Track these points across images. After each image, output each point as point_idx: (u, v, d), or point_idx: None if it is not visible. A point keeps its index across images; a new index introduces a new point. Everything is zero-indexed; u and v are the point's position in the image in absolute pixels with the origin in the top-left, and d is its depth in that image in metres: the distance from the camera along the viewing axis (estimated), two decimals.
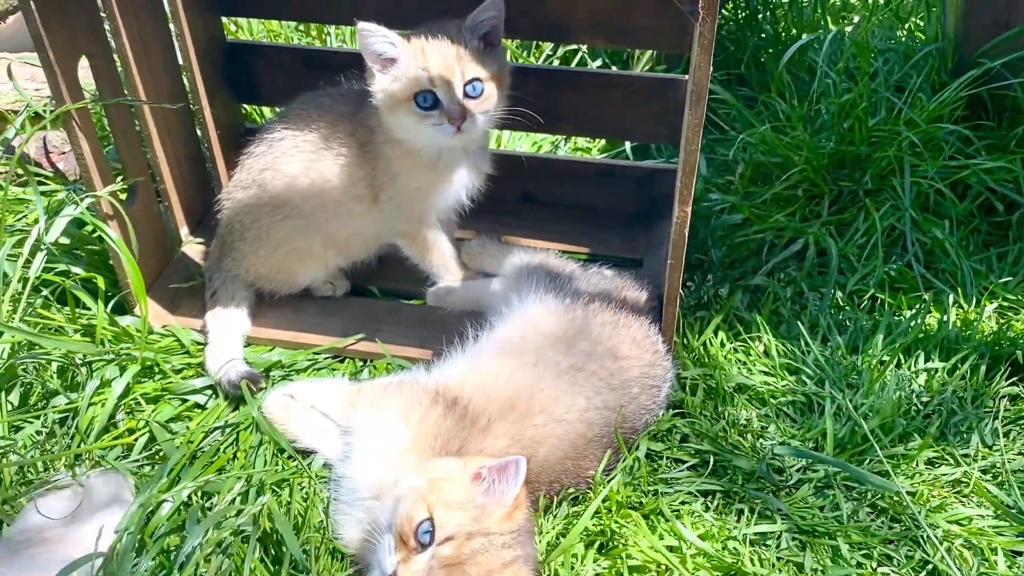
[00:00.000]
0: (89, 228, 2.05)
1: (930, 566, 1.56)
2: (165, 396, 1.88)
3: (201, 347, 1.99)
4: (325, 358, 2.01)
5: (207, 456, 1.73)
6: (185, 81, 2.16)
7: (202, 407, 1.88)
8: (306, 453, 1.78)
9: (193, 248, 2.25)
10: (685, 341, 1.97)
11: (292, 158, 1.97)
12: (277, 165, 1.97)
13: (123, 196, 1.98)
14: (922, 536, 1.59)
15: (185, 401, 1.89)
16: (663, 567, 1.53)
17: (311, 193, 1.97)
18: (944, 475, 1.71)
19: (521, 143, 2.61)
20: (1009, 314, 2.05)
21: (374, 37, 1.77)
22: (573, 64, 2.81)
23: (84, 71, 1.83)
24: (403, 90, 1.80)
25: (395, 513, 1.42)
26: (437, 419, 1.62)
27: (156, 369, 1.92)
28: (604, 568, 1.55)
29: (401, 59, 1.79)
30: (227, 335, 1.98)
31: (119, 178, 1.95)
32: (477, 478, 1.45)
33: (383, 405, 1.68)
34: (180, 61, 2.12)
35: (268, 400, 1.81)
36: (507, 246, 2.15)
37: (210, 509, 1.61)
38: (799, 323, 1.99)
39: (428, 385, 1.70)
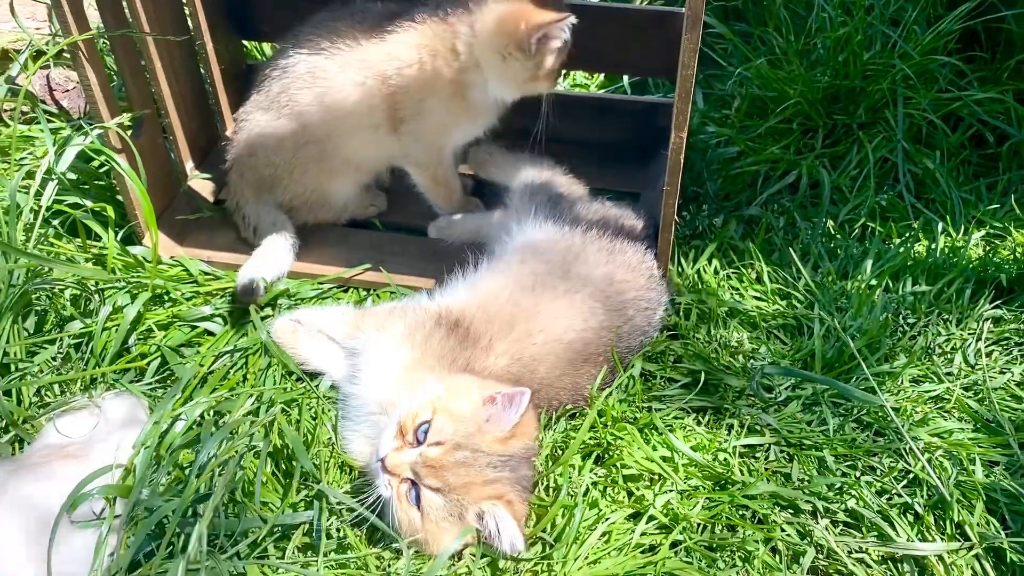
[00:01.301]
0: (96, 163, 2.10)
1: (911, 475, 1.63)
2: (175, 323, 1.94)
3: (208, 276, 2.04)
4: (330, 287, 2.07)
5: (217, 378, 1.80)
6: (188, 19, 2.19)
7: (212, 334, 1.94)
8: (313, 376, 1.84)
9: (199, 182, 2.29)
10: (680, 269, 2.03)
11: (306, 85, 2.00)
12: (292, 90, 2.01)
13: (129, 131, 2.02)
14: (904, 448, 1.66)
15: (195, 328, 1.95)
16: (656, 475, 1.60)
17: (326, 119, 2.02)
18: (928, 392, 1.77)
19: None
20: (995, 241, 2.11)
21: (566, 32, 1.86)
22: None
23: (89, 8, 1.86)
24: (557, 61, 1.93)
25: (405, 408, 1.50)
26: (441, 339, 1.68)
27: (166, 297, 1.98)
28: (600, 476, 1.62)
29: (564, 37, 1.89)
30: (268, 254, 2.04)
31: (125, 113, 1.99)
32: (491, 401, 1.53)
33: (388, 327, 1.74)
34: None
35: (276, 324, 1.87)
36: (514, 155, 2.19)
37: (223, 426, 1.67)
38: (791, 251, 2.04)
39: (431, 308, 1.76)
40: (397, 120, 2.02)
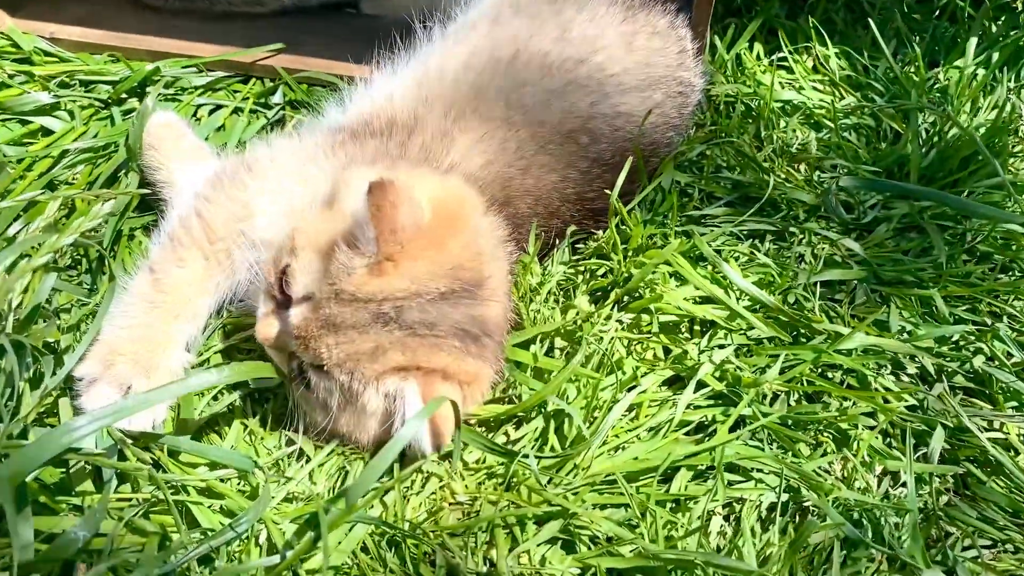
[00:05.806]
0: None
1: None
2: None
3: (50, 57, 1.43)
4: (224, 76, 1.47)
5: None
6: None
7: (50, 131, 1.35)
8: None
9: None
10: (713, 53, 1.48)
11: None
12: None
13: None
14: None
15: (28, 123, 1.35)
16: (705, 324, 1.10)
17: None
18: None
19: None
20: None
21: None
22: None
23: None
24: None
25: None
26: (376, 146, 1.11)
27: None
28: (624, 326, 1.11)
29: None
30: None
31: None
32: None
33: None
34: None
35: (158, 119, 1.25)
36: None
37: None
38: (872, 25, 1.49)
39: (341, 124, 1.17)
40: None
